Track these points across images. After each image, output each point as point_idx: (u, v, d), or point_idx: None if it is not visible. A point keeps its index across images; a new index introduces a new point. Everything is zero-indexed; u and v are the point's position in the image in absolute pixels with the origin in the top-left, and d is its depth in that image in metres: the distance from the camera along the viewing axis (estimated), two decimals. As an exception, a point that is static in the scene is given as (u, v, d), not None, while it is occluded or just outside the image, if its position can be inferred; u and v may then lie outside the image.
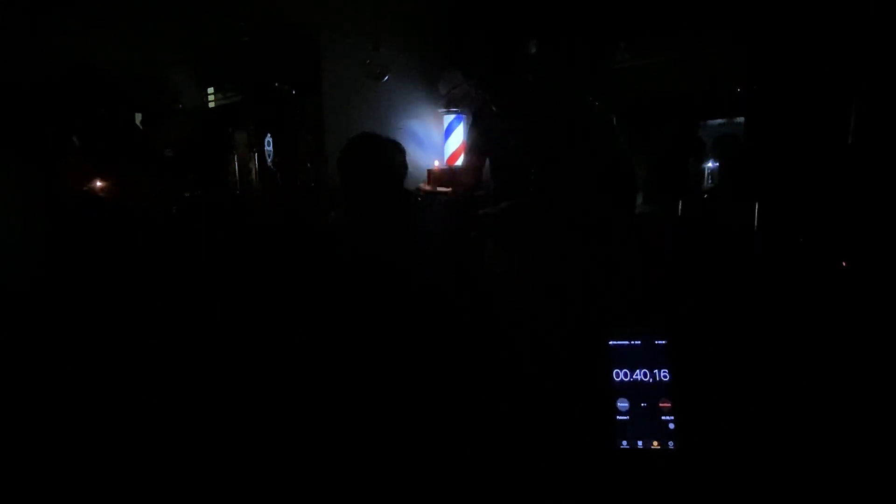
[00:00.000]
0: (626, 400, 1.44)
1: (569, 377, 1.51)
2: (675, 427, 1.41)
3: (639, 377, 1.44)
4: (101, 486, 1.61)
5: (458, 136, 3.44)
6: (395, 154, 2.25)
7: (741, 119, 2.56)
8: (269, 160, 2.91)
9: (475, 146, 2.57)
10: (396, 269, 2.10)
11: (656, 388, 1.43)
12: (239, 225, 2.67)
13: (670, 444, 1.40)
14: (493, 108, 2.28)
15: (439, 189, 2.95)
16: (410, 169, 2.28)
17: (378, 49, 3.00)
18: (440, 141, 3.43)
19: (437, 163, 3.34)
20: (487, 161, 2.57)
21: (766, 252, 2.03)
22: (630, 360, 1.45)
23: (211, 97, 3.21)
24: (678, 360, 1.44)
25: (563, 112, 2.18)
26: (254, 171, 2.92)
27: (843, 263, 1.84)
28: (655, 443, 1.41)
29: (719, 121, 2.95)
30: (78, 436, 1.75)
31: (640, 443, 1.41)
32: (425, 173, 3.12)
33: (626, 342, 1.47)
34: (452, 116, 3.37)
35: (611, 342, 1.47)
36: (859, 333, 1.59)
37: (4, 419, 1.76)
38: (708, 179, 2.91)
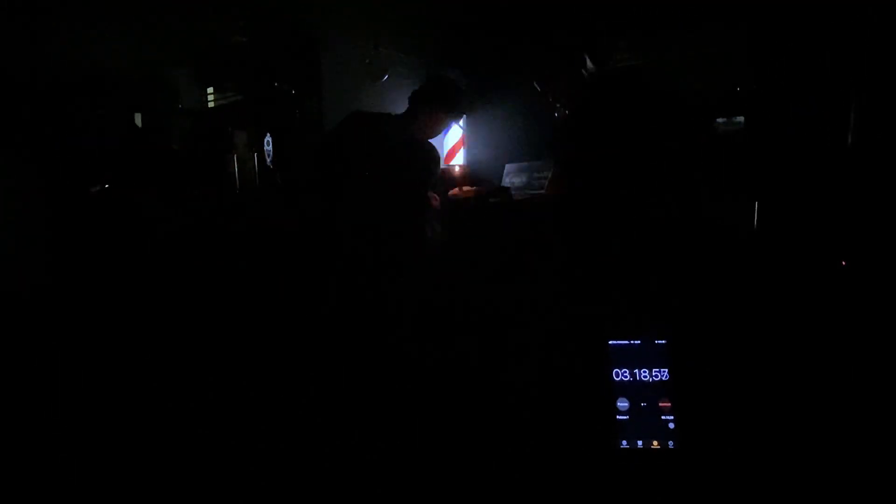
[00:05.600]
0: (626, 400, 1.44)
1: (569, 377, 1.51)
2: (675, 427, 1.41)
3: (639, 377, 1.44)
4: (101, 486, 1.61)
5: (455, 135, 3.46)
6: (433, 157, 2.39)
7: (741, 118, 2.55)
8: (268, 160, 2.91)
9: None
10: (405, 268, 2.10)
11: (656, 388, 1.43)
12: (239, 225, 2.67)
13: (670, 443, 1.40)
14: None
15: (465, 189, 2.98)
16: None
17: (378, 49, 3.00)
18: (440, 140, 3.43)
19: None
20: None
21: (766, 252, 2.02)
22: (630, 359, 1.45)
23: (211, 97, 3.21)
24: (678, 359, 1.44)
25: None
26: (254, 171, 2.92)
27: (843, 263, 1.84)
28: (655, 443, 1.41)
29: (720, 120, 2.95)
30: (80, 434, 1.75)
31: (640, 442, 1.41)
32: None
33: (626, 342, 1.47)
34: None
35: (611, 342, 1.47)
36: (859, 333, 1.58)
37: (6, 418, 1.76)
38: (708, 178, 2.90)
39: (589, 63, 2.27)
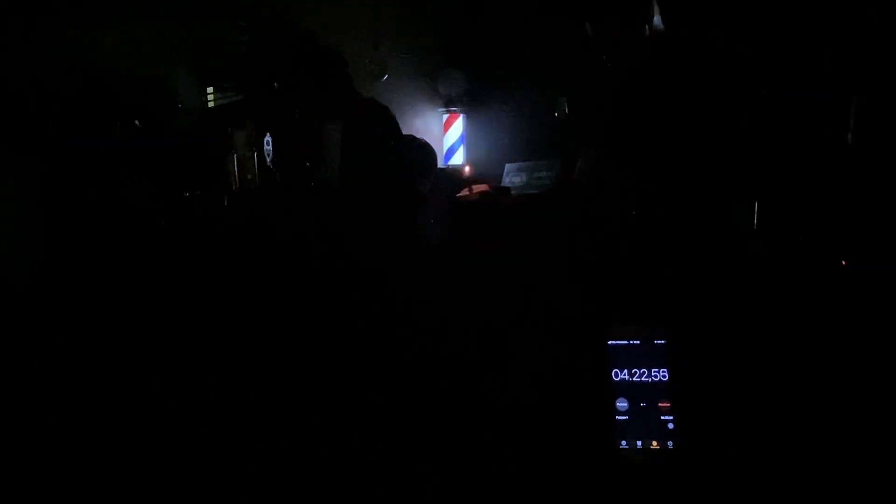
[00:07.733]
0: (625, 400, 1.44)
1: (568, 377, 1.51)
2: (675, 427, 1.41)
3: (638, 377, 1.44)
4: (102, 486, 1.61)
5: (455, 133, 3.47)
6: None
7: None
8: (268, 160, 2.91)
9: None
10: (404, 267, 2.10)
11: (655, 388, 1.43)
12: (239, 225, 2.68)
13: (669, 444, 1.40)
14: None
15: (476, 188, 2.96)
16: None
17: (378, 49, 3.01)
18: (440, 140, 3.44)
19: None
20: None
21: (765, 252, 2.02)
22: (629, 360, 1.45)
23: (211, 97, 3.21)
24: (677, 360, 1.44)
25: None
26: (254, 171, 2.92)
27: (843, 263, 1.84)
28: (655, 443, 1.41)
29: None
30: (79, 436, 1.76)
31: (639, 443, 1.41)
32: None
33: (626, 342, 1.47)
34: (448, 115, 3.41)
35: (610, 342, 1.47)
36: (859, 333, 1.58)
37: (5, 419, 1.77)
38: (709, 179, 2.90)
39: (656, 16, 1.89)
